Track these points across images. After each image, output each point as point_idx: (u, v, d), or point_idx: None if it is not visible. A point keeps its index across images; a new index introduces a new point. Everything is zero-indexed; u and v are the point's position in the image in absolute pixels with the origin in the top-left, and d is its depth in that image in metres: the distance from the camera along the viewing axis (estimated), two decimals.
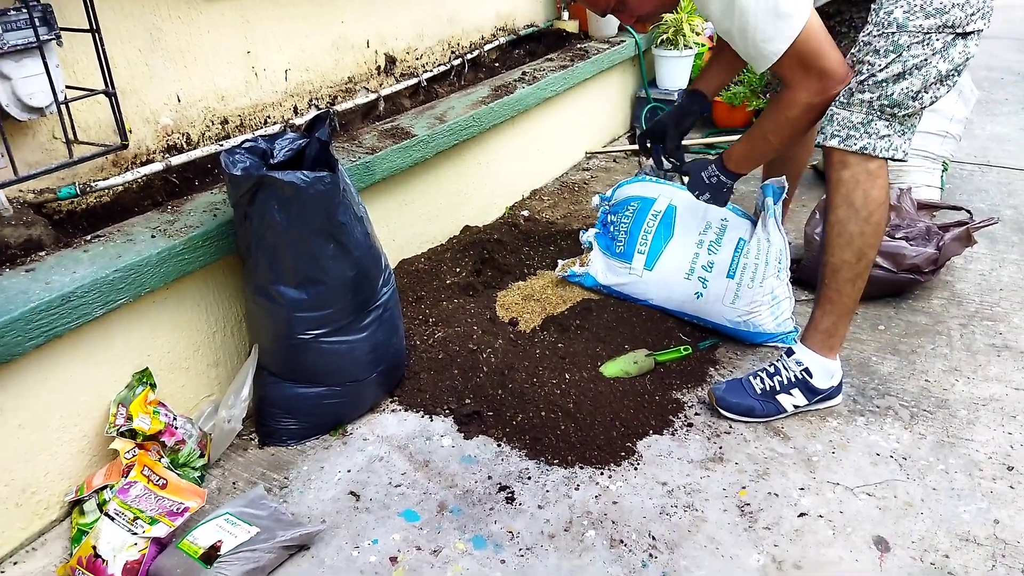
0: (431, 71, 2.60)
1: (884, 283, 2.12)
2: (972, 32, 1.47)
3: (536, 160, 2.96)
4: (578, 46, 3.19)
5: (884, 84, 1.49)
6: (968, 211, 2.37)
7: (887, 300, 2.15)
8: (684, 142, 2.02)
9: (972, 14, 1.45)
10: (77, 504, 1.46)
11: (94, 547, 1.33)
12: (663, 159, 1.99)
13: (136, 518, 1.36)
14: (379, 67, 2.42)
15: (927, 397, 1.78)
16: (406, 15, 2.48)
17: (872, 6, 1.52)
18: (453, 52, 2.75)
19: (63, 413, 1.45)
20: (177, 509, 1.40)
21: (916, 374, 1.86)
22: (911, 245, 2.13)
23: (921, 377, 1.85)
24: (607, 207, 2.19)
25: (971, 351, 1.94)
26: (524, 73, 2.79)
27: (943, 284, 2.23)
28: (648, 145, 2.01)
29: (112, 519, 1.35)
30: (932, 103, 1.52)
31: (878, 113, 1.51)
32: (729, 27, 1.52)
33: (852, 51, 1.55)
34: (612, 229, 2.10)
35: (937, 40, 1.46)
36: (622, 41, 3.27)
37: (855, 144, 1.53)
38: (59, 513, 1.48)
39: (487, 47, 2.89)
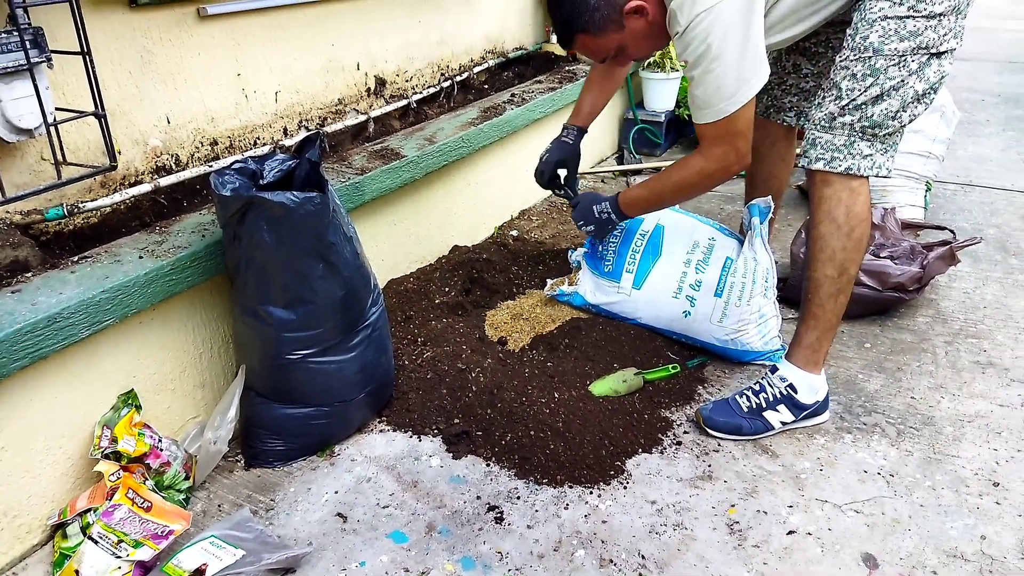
0: (421, 93, 2.62)
1: (869, 301, 2.14)
2: (946, 51, 1.51)
3: (525, 180, 2.95)
4: (566, 68, 3.23)
5: (864, 107, 1.53)
6: (951, 231, 2.40)
7: (872, 318, 2.17)
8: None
9: (945, 34, 1.50)
10: (60, 527, 1.44)
11: (77, 571, 1.32)
12: (567, 190, 2.11)
13: (120, 541, 1.34)
14: (369, 89, 2.44)
15: (913, 414, 1.79)
16: (396, 38, 2.51)
17: (848, 30, 1.56)
18: (443, 74, 2.78)
19: (47, 435, 1.44)
20: (162, 532, 1.39)
21: (902, 391, 1.87)
22: (896, 264, 2.15)
23: (907, 394, 1.86)
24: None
25: (956, 368, 1.95)
26: (513, 95, 2.82)
27: (928, 302, 2.26)
28: (556, 179, 2.11)
29: (96, 542, 1.34)
30: (912, 121, 1.56)
31: (860, 134, 1.55)
32: (695, 75, 1.59)
33: (829, 74, 1.59)
34: (600, 249, 2.12)
35: (913, 61, 1.50)
36: None
37: (840, 165, 1.56)
38: (41, 537, 1.46)
39: (476, 69, 2.92)
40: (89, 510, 1.41)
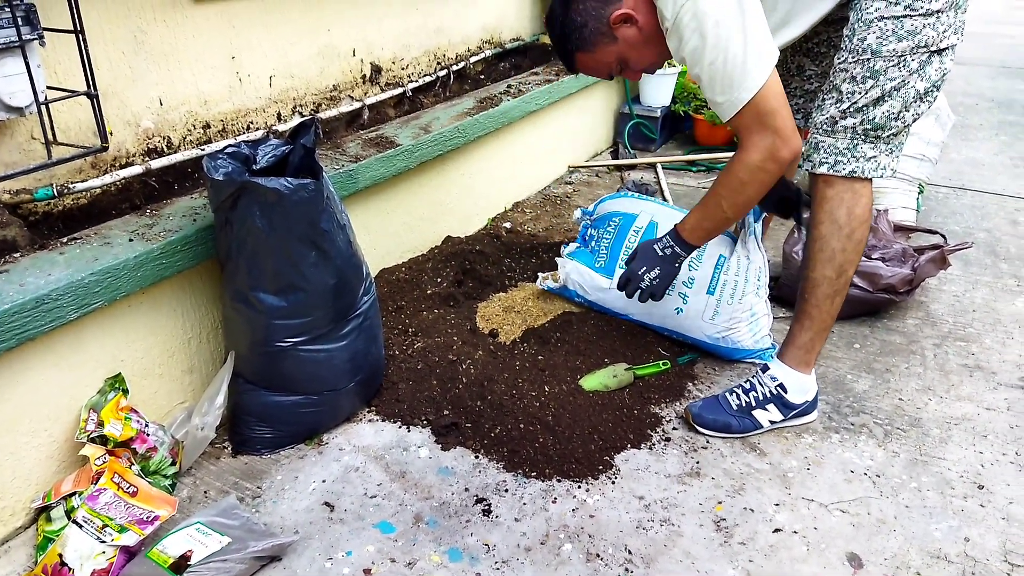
0: (417, 81, 2.61)
1: (860, 302, 2.14)
2: (947, 48, 1.50)
3: (519, 173, 2.97)
4: None
5: (865, 109, 1.51)
6: (943, 235, 2.42)
7: (862, 319, 2.18)
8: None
9: (945, 31, 1.48)
10: (44, 511, 1.43)
11: (60, 555, 1.30)
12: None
13: (105, 526, 1.33)
14: (364, 76, 2.42)
15: (901, 415, 1.80)
16: (393, 25, 2.49)
17: (845, 32, 1.54)
18: (439, 63, 2.76)
19: (33, 417, 1.42)
20: (147, 517, 1.38)
21: (890, 392, 1.88)
22: (887, 266, 2.16)
23: (895, 395, 1.87)
24: (588, 221, 2.20)
25: (944, 371, 1.97)
26: (509, 86, 2.80)
27: (918, 304, 2.27)
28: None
29: (80, 526, 1.33)
30: (915, 120, 1.54)
31: (862, 137, 1.54)
32: (699, 73, 1.53)
33: (829, 77, 1.57)
34: (594, 244, 2.11)
35: (913, 60, 1.48)
36: None
37: (844, 169, 1.55)
38: (25, 520, 1.45)
39: (473, 59, 2.90)
40: (74, 494, 1.40)
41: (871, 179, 1.57)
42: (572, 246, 2.18)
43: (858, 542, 1.45)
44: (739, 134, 1.58)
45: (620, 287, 1.81)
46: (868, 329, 2.14)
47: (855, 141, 1.54)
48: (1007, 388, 1.90)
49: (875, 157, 1.55)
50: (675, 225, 1.73)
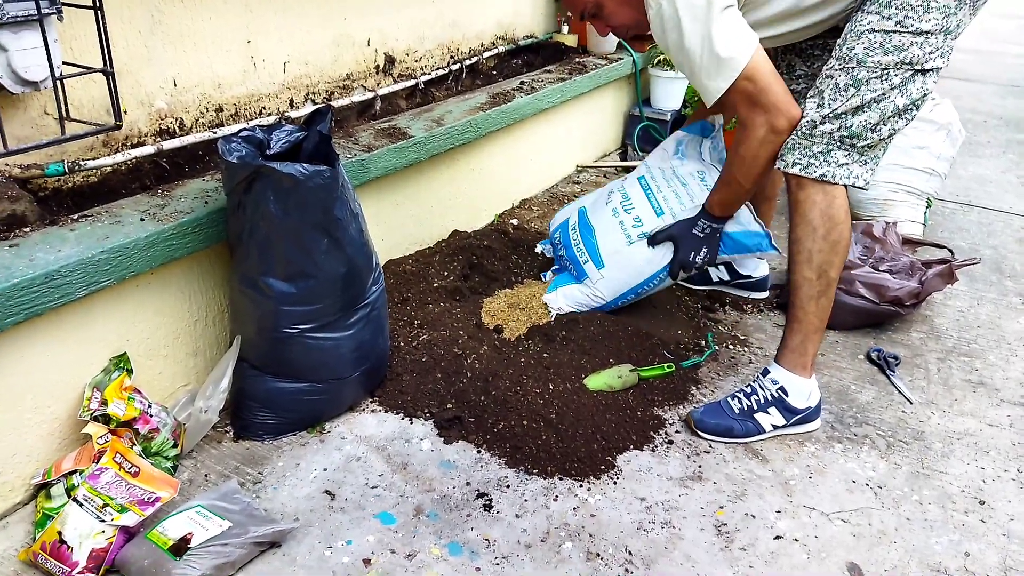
0: (429, 74, 2.60)
1: (866, 313, 2.15)
2: (931, 70, 1.52)
3: (528, 170, 2.96)
4: (576, 60, 3.21)
5: (843, 116, 1.54)
6: (950, 249, 2.42)
7: (867, 330, 2.18)
8: None
9: (931, 52, 1.50)
10: (44, 487, 1.42)
11: (60, 532, 1.30)
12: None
13: (105, 505, 1.33)
14: (378, 66, 2.42)
15: (904, 428, 1.80)
16: (408, 16, 2.48)
17: (837, 41, 1.57)
18: (452, 57, 2.75)
19: (36, 393, 1.41)
20: (148, 498, 1.37)
21: (894, 405, 1.88)
22: (894, 278, 2.16)
23: (898, 408, 1.87)
24: (553, 245, 2.21)
25: (947, 385, 1.97)
26: (523, 82, 2.80)
27: (923, 318, 2.27)
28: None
29: (80, 505, 1.32)
30: (892, 136, 1.57)
31: (838, 144, 1.56)
32: (681, 62, 1.61)
33: (816, 81, 1.60)
34: (565, 263, 2.13)
35: (896, 76, 1.51)
36: (620, 58, 3.30)
37: (815, 172, 1.58)
38: (24, 496, 1.45)
39: (486, 54, 2.89)
40: (75, 472, 1.39)
41: (843, 185, 1.59)
42: (549, 275, 2.18)
43: (858, 552, 1.45)
44: (736, 113, 1.64)
45: (674, 276, 1.95)
46: (873, 340, 2.14)
47: (830, 147, 1.56)
48: (1010, 405, 1.90)
49: (847, 165, 1.57)
50: (703, 205, 1.85)
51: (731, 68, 1.54)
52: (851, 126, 1.54)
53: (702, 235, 1.87)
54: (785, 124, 1.58)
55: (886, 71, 1.51)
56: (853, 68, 1.52)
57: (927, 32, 1.48)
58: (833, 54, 1.57)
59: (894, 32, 1.49)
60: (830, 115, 1.54)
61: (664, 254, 1.94)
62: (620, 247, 1.99)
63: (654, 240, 1.92)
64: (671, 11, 1.54)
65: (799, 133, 1.59)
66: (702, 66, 1.56)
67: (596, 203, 2.11)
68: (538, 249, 2.27)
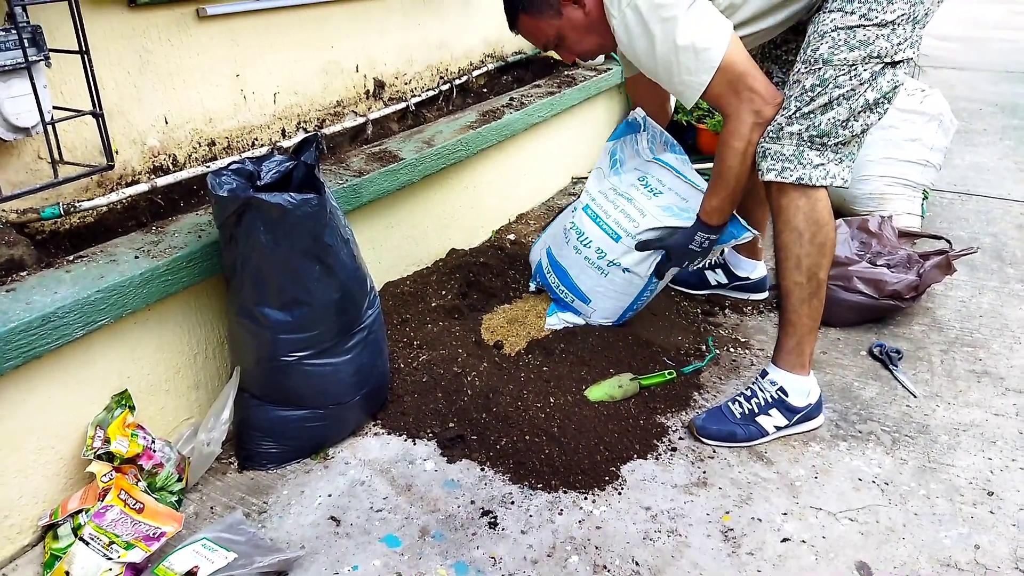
0: (420, 96, 2.62)
1: (866, 309, 2.14)
2: (901, 61, 1.51)
3: (523, 185, 2.98)
4: (565, 73, 3.23)
5: (811, 115, 1.53)
6: (947, 240, 2.41)
7: (869, 326, 2.17)
8: None
9: (899, 44, 1.49)
10: (51, 528, 1.43)
11: (67, 572, 1.31)
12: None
13: (111, 543, 1.34)
14: (368, 91, 2.44)
15: (908, 422, 1.79)
16: (395, 40, 2.51)
17: (803, 43, 1.56)
18: (442, 77, 2.78)
19: (40, 435, 1.43)
20: (154, 534, 1.38)
21: (898, 399, 1.87)
22: (892, 272, 2.16)
23: (902, 402, 1.86)
24: (546, 280, 2.20)
25: (951, 377, 1.96)
26: (512, 99, 2.82)
27: (924, 311, 2.26)
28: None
29: (87, 544, 1.33)
30: (864, 131, 1.55)
31: (808, 144, 1.55)
32: (655, 68, 1.59)
33: (785, 88, 1.59)
34: (560, 293, 2.13)
35: (864, 71, 1.50)
36: (608, 69, 3.32)
37: (791, 175, 1.56)
38: (32, 538, 1.46)
39: (475, 73, 2.92)
40: (81, 511, 1.40)
41: (822, 186, 1.57)
42: (552, 308, 2.17)
43: (867, 551, 1.44)
44: (717, 107, 1.61)
45: (660, 276, 1.94)
46: (874, 336, 2.13)
47: (801, 147, 1.55)
48: (1015, 394, 1.88)
49: (823, 165, 1.55)
50: (697, 216, 1.79)
51: (709, 60, 1.52)
52: (819, 124, 1.52)
53: (698, 248, 1.82)
54: (770, 110, 1.57)
55: (854, 67, 1.49)
56: (819, 68, 1.51)
57: (892, 23, 1.47)
58: (799, 58, 1.56)
59: (858, 27, 1.48)
60: (796, 115, 1.53)
61: (647, 267, 1.94)
62: (597, 281, 1.99)
63: (644, 247, 1.90)
64: (635, 19, 1.54)
65: (768, 138, 1.57)
66: (679, 64, 1.54)
67: (557, 241, 2.10)
68: (532, 287, 2.26)
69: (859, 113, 1.52)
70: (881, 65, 1.50)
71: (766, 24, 1.67)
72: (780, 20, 1.67)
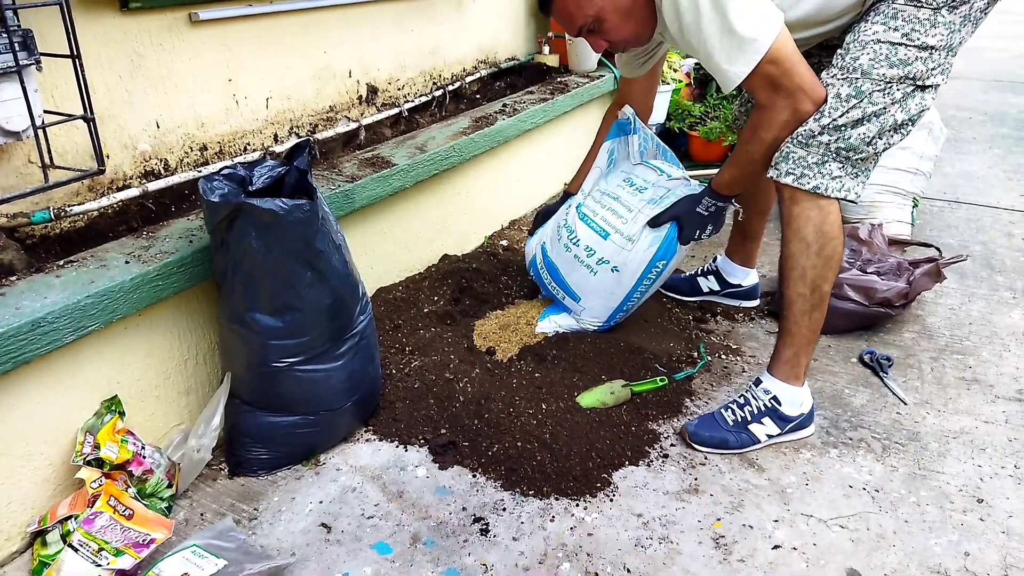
0: (413, 101, 2.63)
1: (856, 316, 2.15)
2: (931, 86, 1.51)
3: (515, 190, 2.98)
4: (558, 80, 3.24)
5: (843, 128, 1.52)
6: (937, 248, 2.43)
7: (859, 333, 2.18)
8: None
9: (933, 68, 1.49)
10: (39, 535, 1.42)
11: None
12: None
13: (101, 549, 1.33)
14: (361, 97, 2.44)
15: (899, 430, 1.79)
16: (388, 46, 2.51)
17: (839, 51, 1.55)
18: (435, 83, 2.78)
19: (29, 441, 1.42)
20: (143, 540, 1.37)
21: (888, 407, 1.88)
22: (882, 280, 2.17)
23: (893, 410, 1.87)
24: (543, 280, 2.20)
25: (942, 384, 1.97)
26: (505, 105, 2.82)
27: (914, 318, 2.27)
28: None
29: (76, 550, 1.32)
30: (886, 149, 1.56)
31: (833, 155, 1.54)
32: (696, 45, 1.53)
33: None
34: (554, 290, 2.14)
35: (898, 90, 1.50)
36: (601, 75, 3.33)
37: (808, 183, 1.56)
38: (20, 544, 1.44)
39: (468, 79, 2.93)
40: (69, 517, 1.39)
41: (836, 199, 1.57)
42: (544, 313, 2.17)
43: (858, 558, 1.44)
44: (756, 95, 1.56)
45: (684, 242, 1.91)
46: (865, 343, 2.14)
47: (826, 158, 1.54)
48: (1005, 401, 1.90)
49: (840, 178, 1.55)
50: (710, 184, 1.80)
51: (754, 51, 1.46)
52: (849, 138, 1.52)
53: (707, 213, 1.82)
54: (810, 107, 1.52)
55: (890, 84, 1.49)
56: (857, 79, 1.50)
57: (932, 47, 1.47)
58: (834, 63, 1.54)
59: (900, 44, 1.47)
60: (830, 126, 1.52)
61: (634, 271, 1.94)
62: (586, 279, 2.00)
63: (657, 222, 1.88)
64: None
65: (795, 142, 1.56)
66: (720, 49, 1.48)
67: (552, 239, 2.12)
68: (541, 299, 2.27)
69: (886, 132, 1.52)
70: (913, 87, 1.50)
71: (805, 34, 1.62)
72: (819, 33, 1.64)
